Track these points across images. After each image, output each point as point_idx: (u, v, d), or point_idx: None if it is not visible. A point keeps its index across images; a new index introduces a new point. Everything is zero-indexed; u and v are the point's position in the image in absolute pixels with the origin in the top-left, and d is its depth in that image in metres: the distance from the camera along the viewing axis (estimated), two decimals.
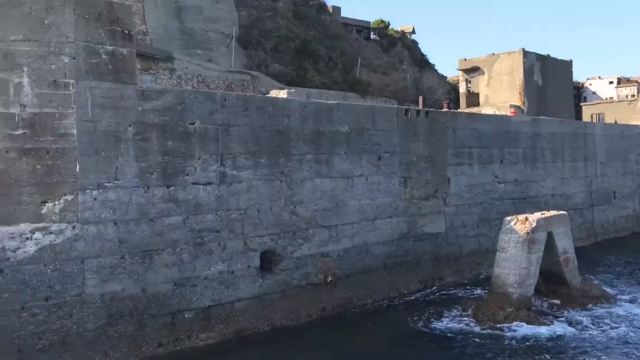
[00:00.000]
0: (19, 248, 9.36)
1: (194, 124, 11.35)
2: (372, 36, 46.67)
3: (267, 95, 14.55)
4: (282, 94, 13.87)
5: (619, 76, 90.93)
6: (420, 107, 20.03)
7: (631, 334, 11.93)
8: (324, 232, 13.55)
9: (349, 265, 14.05)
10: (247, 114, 12.19)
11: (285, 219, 12.84)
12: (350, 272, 14.05)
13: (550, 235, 13.60)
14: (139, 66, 11.12)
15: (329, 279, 13.43)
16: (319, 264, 13.40)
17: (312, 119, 13.39)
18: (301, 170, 13.16)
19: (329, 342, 11.83)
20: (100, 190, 10.14)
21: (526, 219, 13.24)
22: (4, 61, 9.45)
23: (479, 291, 15.34)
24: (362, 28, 45.73)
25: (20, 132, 9.54)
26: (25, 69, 9.56)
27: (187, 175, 11.25)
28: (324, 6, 41.86)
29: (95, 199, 10.08)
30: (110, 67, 10.27)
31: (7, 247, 9.26)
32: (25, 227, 9.54)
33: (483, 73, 42.05)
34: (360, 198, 14.39)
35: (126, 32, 10.46)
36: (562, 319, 12.93)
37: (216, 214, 11.66)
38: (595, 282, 15.72)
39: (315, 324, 12.90)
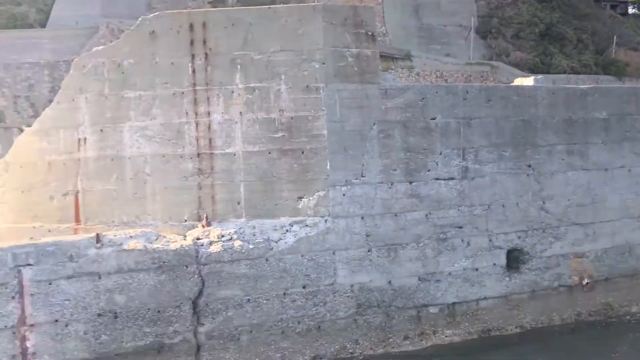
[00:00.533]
0: (281, 239, 10.35)
1: (434, 118, 11.30)
2: (630, 10, 41.44)
3: (511, 84, 13.85)
4: (528, 81, 13.07)
5: None
6: None
7: None
8: (577, 229, 12.41)
9: (609, 268, 12.65)
10: (489, 105, 11.73)
11: (533, 215, 12.06)
12: (610, 275, 12.65)
13: None
14: (380, 66, 11.53)
15: (585, 281, 12.26)
16: (573, 265, 12.31)
17: (562, 106, 12.34)
18: (550, 162, 12.23)
19: (585, 351, 10.82)
20: (349, 187, 10.70)
21: None
22: (265, 71, 10.53)
23: None
24: (617, 3, 40.90)
25: (279, 134, 10.55)
26: (283, 77, 10.53)
27: (429, 170, 11.25)
28: None
29: (344, 194, 10.67)
30: (355, 69, 10.77)
31: (271, 238, 10.32)
32: (285, 220, 10.53)
33: None
34: (622, 192, 12.84)
35: (370, 33, 10.86)
36: None
37: (458, 210, 11.45)
38: None
39: (569, 329, 11.90)
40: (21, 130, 19.41)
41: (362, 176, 10.81)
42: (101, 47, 11.76)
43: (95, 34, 37.91)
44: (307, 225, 10.51)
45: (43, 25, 41.33)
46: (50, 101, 12.37)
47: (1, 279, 8.92)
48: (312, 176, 10.58)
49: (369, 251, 10.79)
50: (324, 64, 10.57)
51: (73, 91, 11.23)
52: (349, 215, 10.71)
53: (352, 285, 10.64)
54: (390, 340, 10.81)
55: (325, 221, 10.57)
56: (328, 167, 10.60)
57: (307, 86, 10.56)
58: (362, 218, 10.79)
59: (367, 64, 10.88)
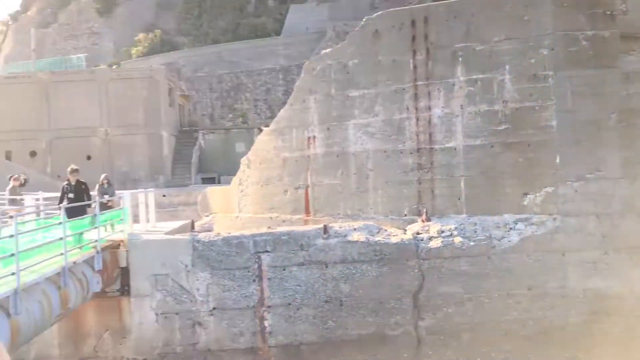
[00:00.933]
0: (504, 237, 9.91)
1: None
2: None
3: None
4: None
5: None
6: None
7: None
8: None
9: None
10: None
11: None
12: None
13: None
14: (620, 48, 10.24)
15: None
16: None
17: None
18: None
19: None
20: (581, 182, 9.80)
21: None
22: (488, 62, 10.16)
23: None
24: None
25: (502, 127, 10.10)
26: (507, 67, 10.05)
27: None
28: None
29: (575, 190, 9.81)
30: (590, 53, 9.82)
31: (493, 236, 9.93)
32: (508, 217, 10.05)
33: None
34: None
35: (607, 13, 9.81)
36: None
37: None
38: None
39: None
40: (260, 130, 21.59)
41: (598, 170, 9.82)
42: (328, 49, 12.49)
43: (322, 38, 40.57)
44: (532, 224, 9.89)
45: (278, 33, 45.50)
46: (284, 103, 13.54)
47: (244, 263, 10.01)
48: (539, 171, 9.92)
49: (605, 254, 9.77)
50: (553, 49, 9.83)
51: (304, 93, 12.12)
52: (582, 214, 9.82)
53: (584, 290, 9.74)
54: (632, 353, 9.65)
55: (554, 219, 9.83)
56: (557, 161, 9.84)
57: (534, 75, 9.92)
58: (597, 217, 9.80)
59: (604, 46, 9.83)
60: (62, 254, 8.49)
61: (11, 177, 12.75)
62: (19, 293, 7.07)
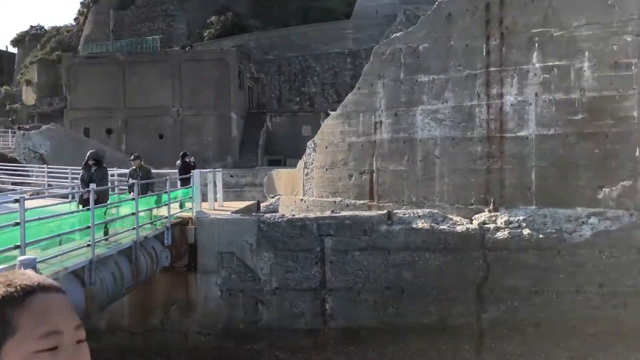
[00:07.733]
0: (575, 231, 9.54)
1: None
2: None
3: None
4: None
5: None
6: None
7: None
8: None
9: None
10: None
11: None
12: None
13: None
14: None
15: None
16: None
17: None
18: None
19: None
20: None
21: None
22: (566, 48, 9.73)
23: None
24: None
25: (579, 117, 9.67)
26: (586, 53, 9.59)
27: None
28: None
29: None
30: None
31: (564, 230, 9.58)
32: (581, 210, 9.66)
33: None
34: None
35: None
36: None
37: None
38: None
39: None
40: (327, 114, 21.65)
41: None
42: (399, 33, 12.32)
43: (393, 22, 40.02)
44: (607, 219, 9.47)
45: (348, 17, 45.21)
46: (352, 87, 13.48)
47: (307, 245, 10.12)
48: (616, 163, 9.46)
49: None
50: (637, 36, 9.30)
51: (372, 77, 12.02)
52: None
53: None
54: None
55: (631, 215, 9.37)
56: (637, 153, 9.35)
57: (615, 62, 9.43)
58: None
59: None
60: (134, 228, 8.87)
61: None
62: (94, 264, 7.44)
